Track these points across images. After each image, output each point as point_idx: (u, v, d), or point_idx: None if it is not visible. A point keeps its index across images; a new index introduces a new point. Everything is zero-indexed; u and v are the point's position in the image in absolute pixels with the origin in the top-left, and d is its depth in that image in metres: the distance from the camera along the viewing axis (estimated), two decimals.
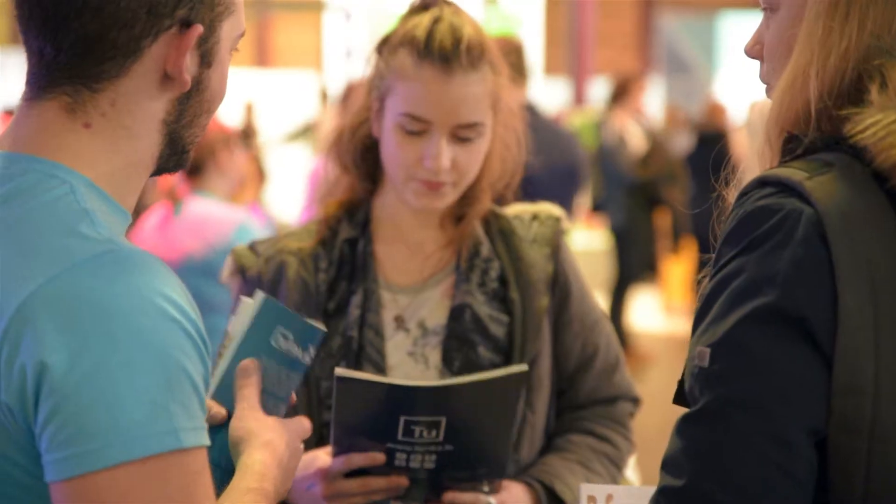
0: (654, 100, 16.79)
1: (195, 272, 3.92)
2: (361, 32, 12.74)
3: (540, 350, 1.97)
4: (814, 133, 1.26)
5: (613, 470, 2.03)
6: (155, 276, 1.18)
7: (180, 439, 1.15)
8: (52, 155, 1.24)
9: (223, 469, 1.40)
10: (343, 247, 1.99)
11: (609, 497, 1.78)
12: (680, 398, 1.28)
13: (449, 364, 1.94)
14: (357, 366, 1.93)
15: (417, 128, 1.90)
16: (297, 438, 1.46)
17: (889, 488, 1.18)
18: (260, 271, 1.97)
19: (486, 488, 1.86)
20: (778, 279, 1.19)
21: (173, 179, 4.16)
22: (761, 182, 1.24)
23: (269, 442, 1.39)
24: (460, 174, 1.93)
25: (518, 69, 4.57)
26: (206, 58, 1.28)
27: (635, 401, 2.09)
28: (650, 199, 8.78)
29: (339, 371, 1.76)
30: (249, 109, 11.65)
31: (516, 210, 2.07)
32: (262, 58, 19.39)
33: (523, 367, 1.84)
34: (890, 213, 1.22)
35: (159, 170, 1.33)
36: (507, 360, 1.94)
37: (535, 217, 2.05)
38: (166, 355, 1.15)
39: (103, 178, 1.25)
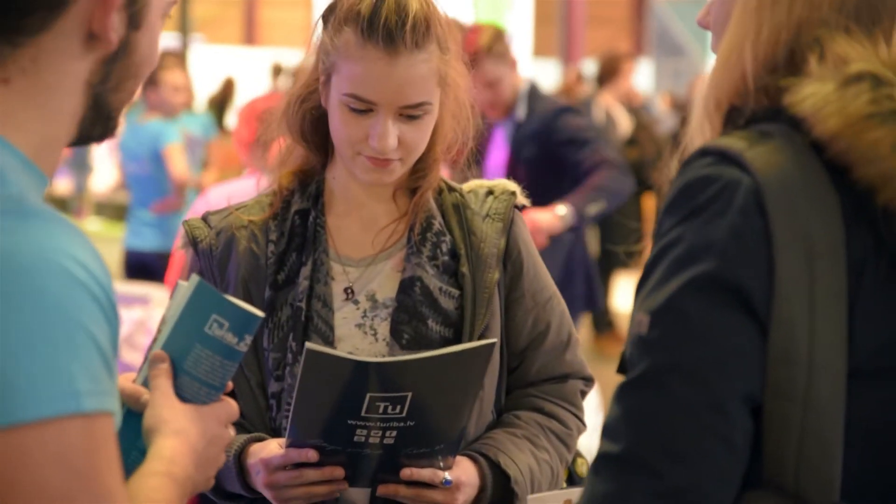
0: (645, 81, 16.71)
1: None
2: None
3: (490, 325, 1.95)
4: (753, 104, 1.27)
5: (561, 447, 2.01)
6: (62, 235, 1.14)
7: (81, 403, 1.10)
8: None
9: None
10: (294, 218, 1.98)
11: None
12: (623, 368, 1.29)
13: (398, 337, 1.92)
14: (304, 337, 1.91)
15: (362, 107, 1.88)
16: (219, 425, 1.41)
17: (821, 457, 1.19)
18: (211, 244, 1.97)
19: (441, 464, 1.84)
20: (716, 248, 1.19)
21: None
22: (702, 152, 1.25)
23: (182, 430, 1.35)
24: (408, 151, 1.91)
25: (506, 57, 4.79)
26: (135, 19, 1.25)
27: (587, 380, 2.07)
28: (637, 181, 8.69)
29: (310, 345, 1.74)
30: (230, 84, 11.55)
31: (472, 185, 2.05)
32: (250, 36, 19.31)
33: (492, 341, 1.82)
34: (828, 183, 1.22)
35: (82, 137, 1.28)
36: (457, 334, 1.93)
37: (490, 192, 2.03)
38: (68, 316, 1.10)
39: (20, 137, 1.21)
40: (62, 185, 14.47)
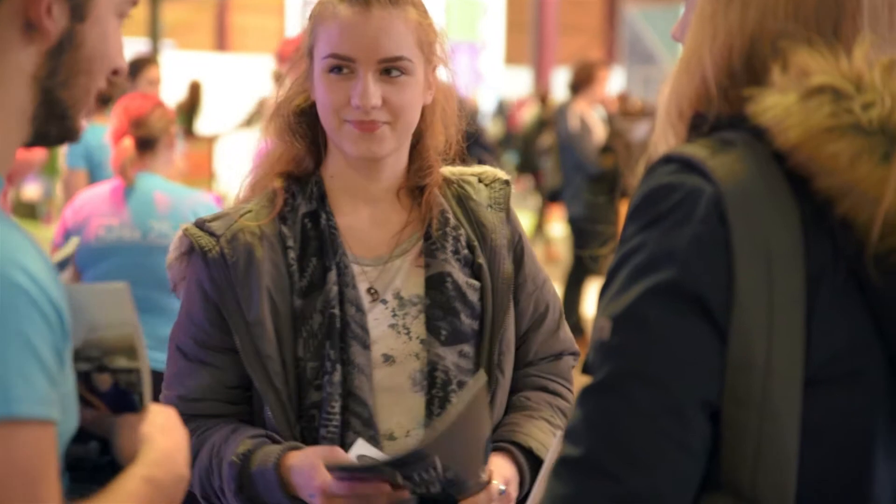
0: (617, 89, 16.76)
1: (159, 251, 3.77)
2: None
3: (508, 313, 1.98)
4: (716, 111, 1.30)
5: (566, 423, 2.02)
6: (12, 243, 1.13)
7: (11, 408, 1.08)
8: None
9: None
10: (304, 222, 1.95)
11: None
12: (587, 370, 1.32)
13: (436, 334, 1.92)
14: (342, 343, 1.89)
15: (341, 65, 1.89)
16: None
17: (777, 462, 1.21)
18: (223, 252, 1.92)
19: (485, 477, 1.84)
20: (677, 256, 1.21)
21: (126, 156, 4.03)
22: (666, 159, 1.27)
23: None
24: (394, 113, 1.90)
25: None
26: (78, 11, 1.24)
27: (576, 354, 2.12)
28: (612, 189, 8.69)
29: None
30: (196, 88, 11.44)
31: (457, 172, 2.06)
32: (221, 42, 19.23)
33: (481, 376, 1.82)
34: (788, 192, 1.24)
35: (38, 136, 1.27)
36: (482, 326, 1.95)
37: (480, 180, 2.05)
38: (6, 325, 1.09)
39: None
40: (31, 189, 14.35)
